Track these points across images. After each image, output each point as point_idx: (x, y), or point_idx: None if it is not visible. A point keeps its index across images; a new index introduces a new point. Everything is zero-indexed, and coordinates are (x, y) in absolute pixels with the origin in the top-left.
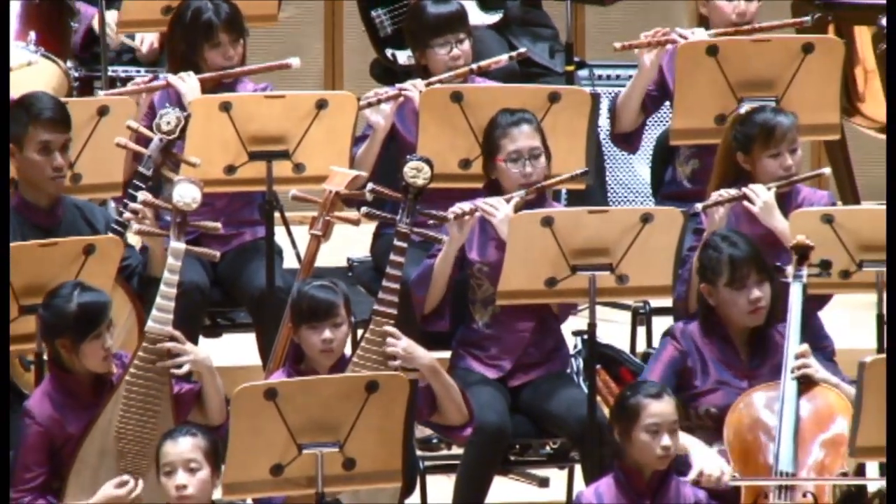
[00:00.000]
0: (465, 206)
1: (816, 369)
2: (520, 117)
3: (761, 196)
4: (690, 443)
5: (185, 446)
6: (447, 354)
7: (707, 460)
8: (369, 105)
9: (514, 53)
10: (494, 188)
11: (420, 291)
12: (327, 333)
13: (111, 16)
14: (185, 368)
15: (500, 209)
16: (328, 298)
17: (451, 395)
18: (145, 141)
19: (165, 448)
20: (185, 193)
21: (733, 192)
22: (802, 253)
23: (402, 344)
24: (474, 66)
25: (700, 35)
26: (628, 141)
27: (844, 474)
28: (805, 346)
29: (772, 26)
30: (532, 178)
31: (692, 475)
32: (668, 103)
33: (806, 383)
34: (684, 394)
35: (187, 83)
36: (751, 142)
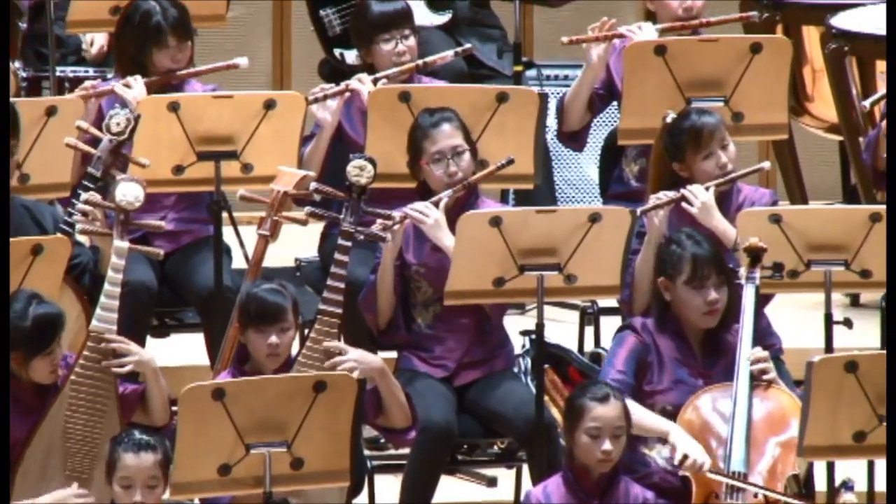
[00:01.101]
0: (395, 214)
1: (775, 377)
2: (439, 117)
3: (699, 197)
4: (670, 427)
5: (147, 462)
6: (393, 355)
7: (691, 446)
8: (316, 101)
9: (459, 49)
10: (425, 190)
11: (370, 311)
12: (274, 339)
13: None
14: (128, 368)
15: (430, 215)
16: (277, 302)
17: (396, 397)
18: (94, 141)
19: (126, 461)
20: (128, 192)
21: (672, 194)
22: (755, 255)
23: (353, 356)
24: (420, 61)
25: (647, 30)
26: (575, 139)
27: (796, 476)
28: (765, 353)
29: (720, 21)
30: (457, 177)
31: (676, 458)
32: (615, 103)
33: (760, 385)
34: (641, 390)
35: (134, 89)
36: (681, 149)
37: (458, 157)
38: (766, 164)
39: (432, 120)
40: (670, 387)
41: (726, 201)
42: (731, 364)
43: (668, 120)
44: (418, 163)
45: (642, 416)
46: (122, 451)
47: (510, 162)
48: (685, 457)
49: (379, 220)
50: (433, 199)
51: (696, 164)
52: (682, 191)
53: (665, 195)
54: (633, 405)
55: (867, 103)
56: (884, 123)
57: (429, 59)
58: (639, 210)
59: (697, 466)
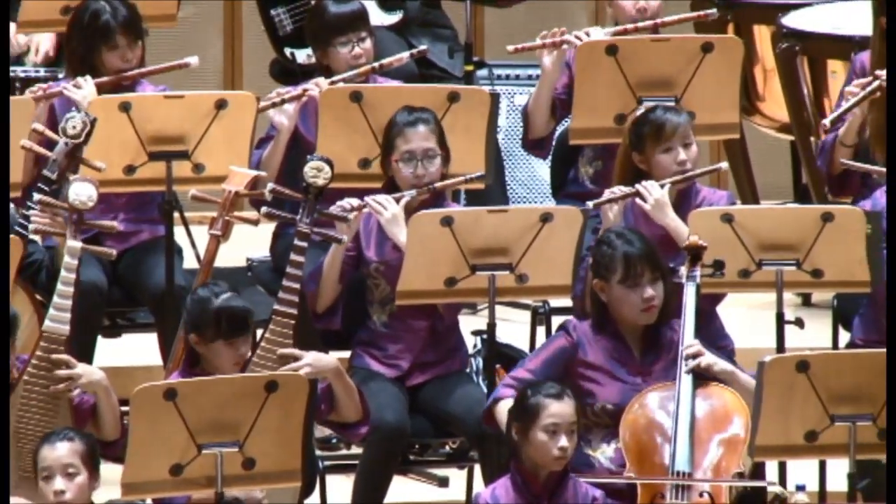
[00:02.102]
0: (354, 201)
1: (711, 360)
2: (417, 117)
3: (653, 193)
4: None
5: (62, 451)
6: (347, 354)
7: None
8: (273, 105)
9: (414, 51)
10: (392, 187)
11: (311, 287)
12: (243, 349)
13: None
14: (77, 392)
15: (388, 207)
16: (245, 308)
17: (350, 395)
18: (48, 143)
19: (43, 453)
20: (81, 192)
21: (626, 189)
22: (695, 253)
23: (308, 360)
24: (376, 64)
25: (596, 35)
26: (541, 146)
27: (741, 474)
28: (696, 342)
29: (674, 21)
30: (424, 180)
31: None
32: None
33: (702, 381)
34: (579, 390)
35: (83, 90)
36: (643, 140)
37: (429, 161)
38: (724, 165)
39: (409, 119)
40: (609, 385)
41: (685, 202)
42: (672, 362)
43: (639, 112)
44: (389, 158)
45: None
46: (41, 446)
47: (481, 177)
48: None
49: (338, 204)
50: (396, 195)
51: (654, 156)
52: (637, 186)
53: (620, 190)
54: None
55: (827, 122)
56: (840, 131)
57: (385, 60)
58: (591, 203)
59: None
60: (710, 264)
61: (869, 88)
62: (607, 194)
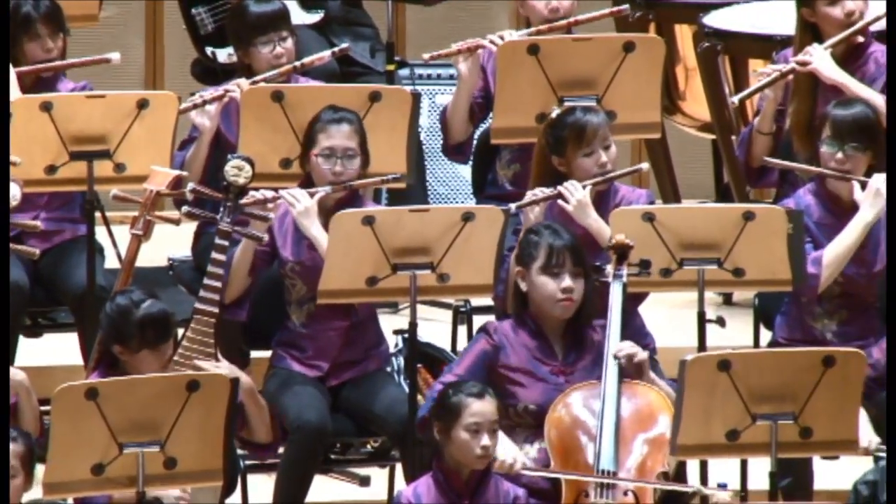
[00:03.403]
0: (268, 193)
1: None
2: (342, 116)
3: (575, 194)
4: None
5: None
6: (267, 354)
7: (502, 446)
8: (195, 107)
9: (336, 49)
10: (308, 184)
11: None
12: (168, 352)
13: None
14: None
15: (301, 200)
16: (166, 313)
17: (262, 415)
18: None
19: None
20: None
21: (548, 190)
22: (622, 252)
23: (224, 372)
24: (297, 63)
25: (511, 38)
26: (460, 152)
27: (665, 473)
28: (628, 342)
29: (589, 18)
30: (342, 178)
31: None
32: None
33: (627, 380)
34: (501, 391)
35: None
36: (563, 143)
37: (348, 160)
38: (645, 166)
39: (334, 116)
40: (531, 385)
41: (604, 201)
42: (595, 361)
43: (554, 115)
44: (308, 153)
45: None
46: None
47: (397, 178)
48: (493, 459)
49: (251, 194)
50: (310, 190)
51: (575, 160)
52: (559, 188)
53: (542, 191)
54: None
55: (736, 99)
56: (756, 120)
57: (306, 60)
58: (514, 206)
59: (506, 467)
60: (637, 263)
61: (780, 70)
62: (529, 196)
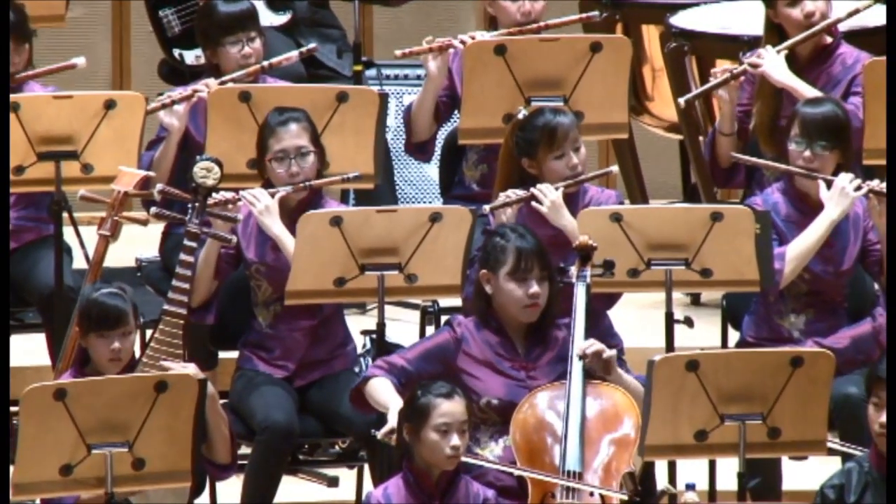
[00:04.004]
0: (228, 194)
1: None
2: (287, 116)
3: (549, 196)
4: (387, 399)
5: None
6: (234, 354)
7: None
8: (163, 107)
9: (304, 49)
10: (268, 188)
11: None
12: (116, 344)
13: None
14: None
15: (261, 200)
16: (117, 306)
17: (221, 429)
18: None
19: None
20: None
21: (521, 192)
22: (585, 253)
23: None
24: (265, 63)
25: (482, 38)
26: (423, 150)
27: (631, 474)
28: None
29: (559, 23)
30: (298, 178)
31: (384, 430)
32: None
33: (593, 380)
34: (463, 387)
35: None
36: (534, 146)
37: (302, 158)
38: (615, 168)
39: (280, 118)
40: (494, 380)
41: (573, 202)
42: (558, 357)
43: (521, 116)
44: (263, 159)
45: (377, 391)
46: None
47: (357, 177)
48: (392, 430)
49: (213, 197)
50: (271, 191)
51: (546, 162)
52: (532, 189)
53: (514, 193)
54: (375, 383)
55: (682, 100)
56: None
57: (274, 60)
58: (488, 207)
59: (598, 353)
60: (601, 264)
61: (731, 71)
62: (502, 198)
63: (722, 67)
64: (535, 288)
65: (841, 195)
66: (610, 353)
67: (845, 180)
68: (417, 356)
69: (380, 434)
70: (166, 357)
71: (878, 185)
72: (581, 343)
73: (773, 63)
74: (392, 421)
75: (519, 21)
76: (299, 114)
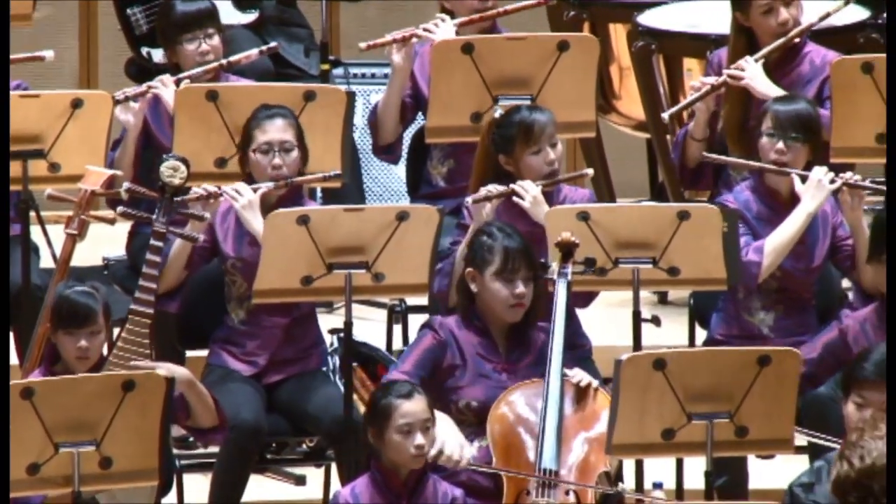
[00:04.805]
0: (210, 187)
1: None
2: (275, 112)
3: (530, 191)
4: (439, 417)
5: None
6: (205, 353)
7: (449, 440)
8: (118, 103)
9: (264, 48)
10: (249, 182)
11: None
12: (84, 342)
13: None
14: None
15: (244, 194)
16: (87, 305)
17: (204, 402)
18: None
19: None
20: None
21: (502, 187)
22: (567, 250)
23: (162, 374)
24: (224, 61)
25: (446, 26)
26: (390, 152)
27: (607, 473)
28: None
29: (517, 8)
30: (281, 172)
31: (433, 452)
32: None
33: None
34: (444, 387)
35: None
36: (511, 142)
37: (286, 153)
38: (590, 171)
39: (268, 113)
40: (474, 382)
41: (549, 200)
42: (538, 360)
43: (497, 115)
44: (247, 151)
45: None
46: None
47: (338, 175)
48: (440, 452)
49: (194, 189)
50: (253, 186)
51: (523, 158)
52: (513, 186)
53: (496, 188)
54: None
55: (666, 115)
56: (690, 126)
57: (233, 58)
58: (469, 200)
59: (453, 462)
60: (582, 261)
61: (711, 84)
62: (484, 192)
63: (701, 80)
64: (521, 288)
65: (817, 188)
66: (594, 384)
67: (821, 173)
68: (413, 366)
69: (440, 461)
70: (134, 356)
71: (853, 177)
72: (561, 344)
73: (755, 75)
74: (440, 439)
75: (477, 8)
76: (287, 111)
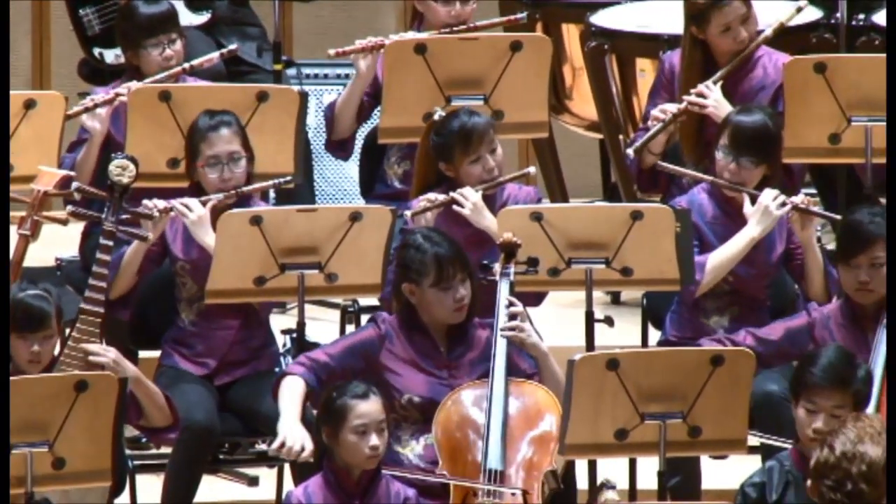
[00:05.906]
0: (160, 203)
1: (529, 333)
2: (219, 121)
3: (470, 198)
4: (284, 412)
5: None
6: (157, 353)
7: (290, 432)
8: (86, 110)
9: (224, 51)
10: (198, 191)
11: (110, 275)
12: (36, 347)
13: None
14: None
15: (194, 209)
16: (41, 308)
17: (155, 401)
18: None
19: None
20: None
21: (441, 197)
22: (509, 250)
23: (111, 356)
24: (186, 65)
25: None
26: (343, 148)
27: (553, 472)
28: (520, 308)
29: (486, 25)
30: (231, 183)
31: (275, 444)
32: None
33: (515, 379)
34: (385, 383)
35: None
36: (450, 150)
37: (234, 164)
38: (532, 170)
39: (211, 123)
40: (416, 378)
41: (492, 201)
42: (481, 358)
43: (436, 118)
44: (194, 164)
45: (283, 393)
46: None
47: (289, 181)
48: (282, 444)
49: (144, 203)
50: (202, 199)
51: (463, 166)
52: (453, 194)
53: (436, 197)
54: (287, 382)
55: (630, 151)
56: (649, 124)
57: (196, 62)
58: (409, 213)
59: (293, 454)
60: (524, 261)
61: (674, 112)
62: (423, 203)
63: (661, 107)
64: (461, 292)
65: (764, 214)
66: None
67: (769, 198)
68: (341, 351)
69: (270, 450)
70: (84, 355)
71: (802, 200)
72: (504, 343)
73: (718, 102)
74: (280, 434)
75: (448, 23)
76: (230, 117)
